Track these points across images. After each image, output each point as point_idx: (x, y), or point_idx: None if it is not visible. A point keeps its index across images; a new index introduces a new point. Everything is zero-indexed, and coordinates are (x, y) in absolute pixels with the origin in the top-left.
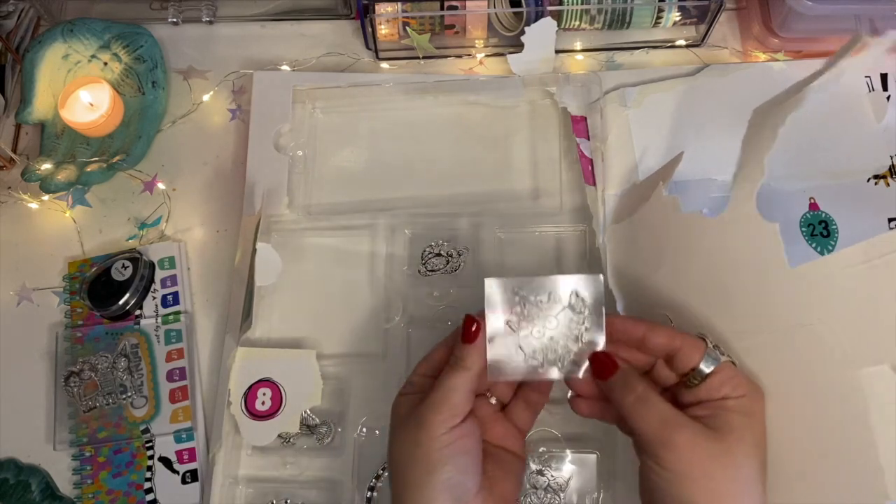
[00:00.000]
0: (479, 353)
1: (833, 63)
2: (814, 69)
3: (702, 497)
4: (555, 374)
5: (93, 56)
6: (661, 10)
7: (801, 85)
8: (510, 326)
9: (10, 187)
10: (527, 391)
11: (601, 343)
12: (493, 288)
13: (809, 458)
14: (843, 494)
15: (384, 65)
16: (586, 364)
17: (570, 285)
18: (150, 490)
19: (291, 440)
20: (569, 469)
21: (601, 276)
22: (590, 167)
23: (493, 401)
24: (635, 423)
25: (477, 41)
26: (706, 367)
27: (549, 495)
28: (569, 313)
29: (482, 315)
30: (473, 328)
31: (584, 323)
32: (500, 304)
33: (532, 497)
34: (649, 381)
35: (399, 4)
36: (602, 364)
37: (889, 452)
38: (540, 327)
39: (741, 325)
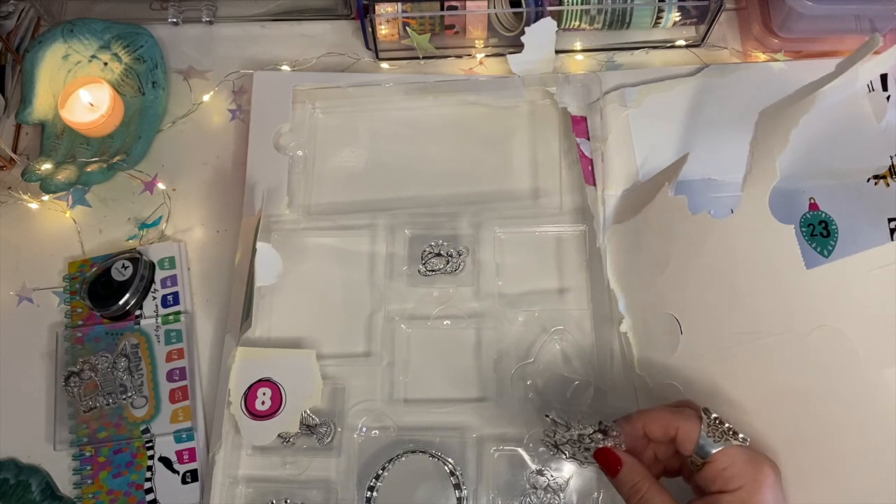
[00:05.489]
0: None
1: (848, 65)
2: (813, 69)
3: None
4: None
5: (93, 56)
6: (661, 11)
7: (813, 87)
8: None
9: (10, 187)
10: None
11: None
12: None
13: (830, 459)
14: (864, 494)
15: (384, 65)
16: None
17: None
18: (150, 490)
19: (291, 440)
20: (569, 469)
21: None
22: (590, 167)
23: None
24: None
25: (477, 41)
26: (707, 448)
27: (549, 495)
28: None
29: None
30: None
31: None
32: None
33: (532, 497)
34: (659, 468)
35: (399, 4)
36: (606, 460)
37: None
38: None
39: (754, 325)
